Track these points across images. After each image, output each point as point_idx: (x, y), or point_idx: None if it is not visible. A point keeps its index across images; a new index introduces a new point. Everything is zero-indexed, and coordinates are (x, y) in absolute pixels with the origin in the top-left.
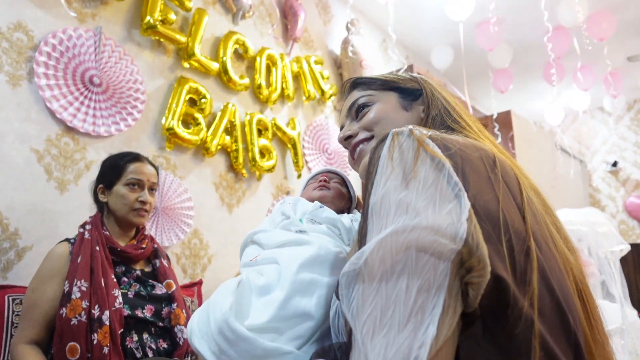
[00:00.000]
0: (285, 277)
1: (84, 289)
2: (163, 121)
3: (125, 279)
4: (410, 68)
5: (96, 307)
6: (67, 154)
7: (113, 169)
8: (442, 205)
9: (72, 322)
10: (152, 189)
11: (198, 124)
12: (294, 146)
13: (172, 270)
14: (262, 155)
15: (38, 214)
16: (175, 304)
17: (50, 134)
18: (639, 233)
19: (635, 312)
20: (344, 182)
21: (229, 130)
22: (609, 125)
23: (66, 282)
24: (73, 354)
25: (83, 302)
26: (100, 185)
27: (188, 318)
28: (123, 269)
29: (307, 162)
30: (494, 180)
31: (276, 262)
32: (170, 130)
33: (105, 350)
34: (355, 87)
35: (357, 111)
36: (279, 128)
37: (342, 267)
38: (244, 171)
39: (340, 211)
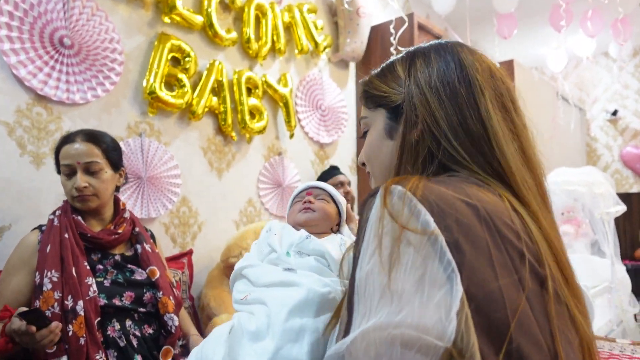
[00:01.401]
0: (275, 325)
1: (55, 279)
2: (144, 84)
3: (101, 267)
4: (410, 17)
5: (69, 297)
6: (40, 125)
7: (55, 158)
8: (430, 293)
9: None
10: (88, 170)
11: (182, 85)
12: (286, 104)
13: (157, 255)
14: (252, 116)
15: (14, 192)
16: (161, 292)
17: (20, 104)
18: (632, 183)
19: (624, 268)
20: (331, 197)
21: (216, 90)
22: (612, 72)
23: (37, 273)
24: (50, 347)
25: (55, 294)
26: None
27: (177, 303)
28: (99, 255)
29: (299, 120)
30: (492, 245)
31: (265, 304)
32: (152, 94)
33: (82, 341)
34: (363, 91)
35: (363, 131)
36: (269, 86)
37: (331, 308)
38: (233, 134)
39: (329, 230)
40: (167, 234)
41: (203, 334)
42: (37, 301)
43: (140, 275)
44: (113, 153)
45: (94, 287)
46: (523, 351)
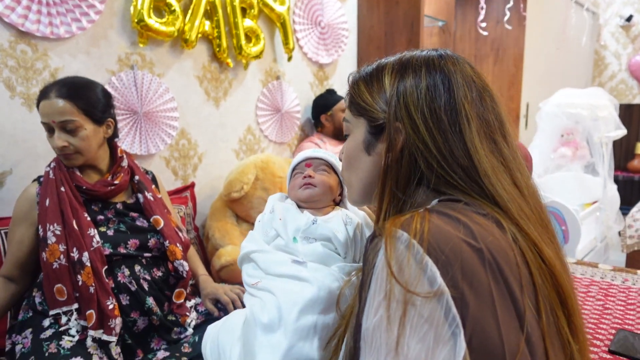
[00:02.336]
0: (287, 324)
1: (57, 232)
2: (131, 10)
3: (102, 217)
4: None
5: (74, 249)
6: (26, 63)
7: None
8: (435, 351)
9: (53, 266)
10: (64, 128)
11: (173, 10)
12: (283, 25)
13: (160, 201)
14: (248, 39)
15: (8, 136)
16: (168, 241)
17: (2, 43)
18: (636, 93)
19: (615, 187)
20: (331, 166)
21: (209, 13)
22: None
23: (39, 226)
24: (61, 295)
25: (60, 246)
26: None
27: (185, 247)
28: (100, 205)
29: (298, 39)
30: (495, 290)
31: (275, 296)
32: (141, 22)
33: (92, 289)
34: (349, 91)
35: (345, 134)
36: (265, 4)
37: (340, 302)
38: (229, 60)
39: (332, 202)
40: (168, 167)
41: (209, 262)
42: (44, 253)
43: (142, 222)
44: (93, 108)
45: (97, 237)
46: None
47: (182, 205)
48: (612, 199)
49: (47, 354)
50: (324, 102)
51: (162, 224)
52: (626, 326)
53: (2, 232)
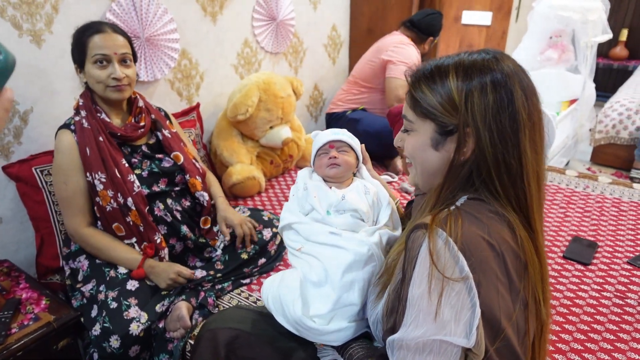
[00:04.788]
0: (334, 282)
1: (103, 180)
2: None
3: (135, 160)
4: None
5: (119, 195)
6: None
7: (78, 47)
8: (460, 316)
9: (107, 209)
10: (124, 60)
11: None
12: None
13: (176, 135)
14: None
15: (24, 75)
16: (188, 175)
17: None
18: None
19: (593, 85)
20: (350, 146)
21: None
22: None
23: (87, 174)
24: (120, 231)
25: (108, 192)
26: (75, 65)
27: (202, 176)
28: (129, 149)
29: None
30: (500, 274)
31: (320, 261)
32: None
33: (141, 228)
34: (409, 92)
35: (405, 127)
36: None
37: (370, 260)
38: None
39: (352, 175)
40: (173, 89)
41: (219, 176)
42: (97, 197)
43: (168, 162)
44: (133, 47)
45: (137, 182)
46: (509, 339)
47: (191, 129)
48: (588, 98)
49: (108, 278)
50: (440, 27)
51: (182, 160)
52: (581, 233)
53: (38, 170)
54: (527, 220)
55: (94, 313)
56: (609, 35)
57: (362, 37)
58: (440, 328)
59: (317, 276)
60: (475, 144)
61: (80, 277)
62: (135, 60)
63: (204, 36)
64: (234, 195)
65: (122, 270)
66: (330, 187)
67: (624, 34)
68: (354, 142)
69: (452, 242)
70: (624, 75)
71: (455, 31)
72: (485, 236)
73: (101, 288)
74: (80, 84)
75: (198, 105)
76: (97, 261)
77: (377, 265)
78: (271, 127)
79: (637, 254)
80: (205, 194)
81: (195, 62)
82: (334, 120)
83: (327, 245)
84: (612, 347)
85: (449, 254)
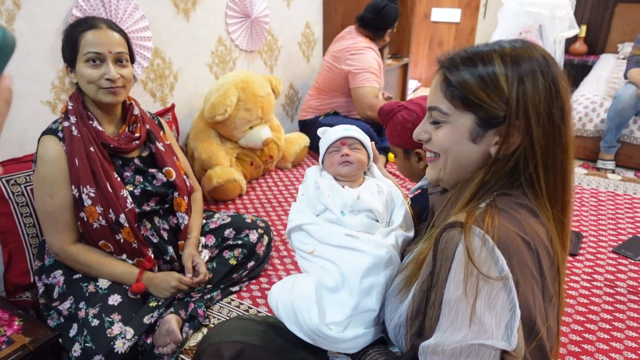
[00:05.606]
0: (353, 287)
1: (92, 194)
2: None
3: (128, 174)
4: None
5: (110, 211)
6: None
7: (69, 44)
8: (501, 318)
9: (94, 226)
10: (119, 60)
11: None
12: None
13: (169, 147)
14: None
15: None
16: (177, 193)
17: None
18: None
19: None
20: (361, 143)
21: None
22: None
23: (73, 187)
24: (107, 248)
25: (97, 208)
26: (65, 65)
27: (188, 197)
28: (120, 162)
29: None
30: (535, 271)
31: (336, 265)
32: None
33: (135, 245)
34: (444, 80)
35: (434, 119)
36: None
37: (389, 263)
38: None
39: (363, 173)
40: (146, 90)
41: (199, 180)
42: (82, 213)
43: (160, 179)
44: (130, 45)
45: (129, 198)
46: (542, 340)
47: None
48: None
49: (87, 294)
50: (396, 16)
51: (174, 176)
52: (583, 227)
53: (4, 180)
54: (562, 213)
55: (72, 332)
56: (576, 31)
57: (335, 34)
58: (481, 332)
59: (333, 281)
60: (523, 136)
61: (55, 295)
62: (132, 60)
63: (177, 34)
64: (214, 199)
65: (103, 284)
66: (343, 187)
67: (583, 30)
68: (366, 138)
69: (491, 241)
70: (584, 69)
71: (426, 28)
72: (520, 233)
73: (81, 305)
74: (71, 86)
75: (173, 106)
76: (75, 276)
77: (395, 268)
78: (251, 128)
79: (621, 242)
80: (186, 217)
81: (168, 61)
82: (307, 127)
83: (343, 247)
84: (609, 337)
85: (487, 253)
